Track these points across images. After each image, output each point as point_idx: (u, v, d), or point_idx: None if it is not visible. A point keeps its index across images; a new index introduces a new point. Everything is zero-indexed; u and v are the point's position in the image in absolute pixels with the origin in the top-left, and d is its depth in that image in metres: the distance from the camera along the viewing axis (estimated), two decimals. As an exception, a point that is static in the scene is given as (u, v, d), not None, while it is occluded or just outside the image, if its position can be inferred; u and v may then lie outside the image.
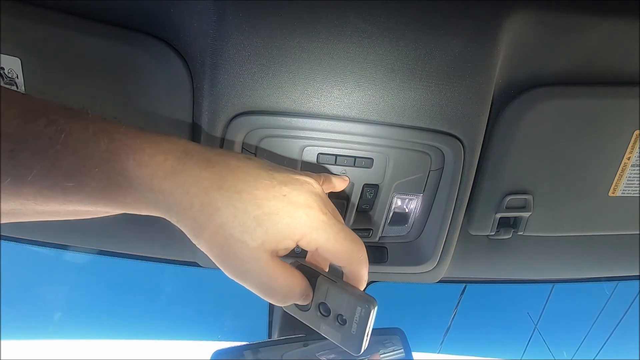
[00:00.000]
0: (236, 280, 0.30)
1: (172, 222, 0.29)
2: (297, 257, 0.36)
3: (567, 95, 0.47)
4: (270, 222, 0.28)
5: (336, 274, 0.35)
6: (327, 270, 0.36)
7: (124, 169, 0.26)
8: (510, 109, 0.47)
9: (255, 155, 0.48)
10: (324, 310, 0.34)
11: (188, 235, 0.29)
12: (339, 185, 0.44)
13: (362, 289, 0.34)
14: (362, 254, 0.32)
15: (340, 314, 0.33)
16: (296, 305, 0.34)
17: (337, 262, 0.32)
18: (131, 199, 0.27)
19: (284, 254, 0.30)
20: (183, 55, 0.43)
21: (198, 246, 0.29)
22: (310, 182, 0.32)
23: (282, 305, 0.33)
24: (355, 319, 0.32)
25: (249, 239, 0.28)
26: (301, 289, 0.32)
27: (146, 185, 0.27)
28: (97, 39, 0.42)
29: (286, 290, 0.30)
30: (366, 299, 0.32)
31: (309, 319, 0.34)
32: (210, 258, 0.29)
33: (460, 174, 0.49)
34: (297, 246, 0.30)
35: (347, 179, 0.46)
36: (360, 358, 0.54)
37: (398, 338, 0.61)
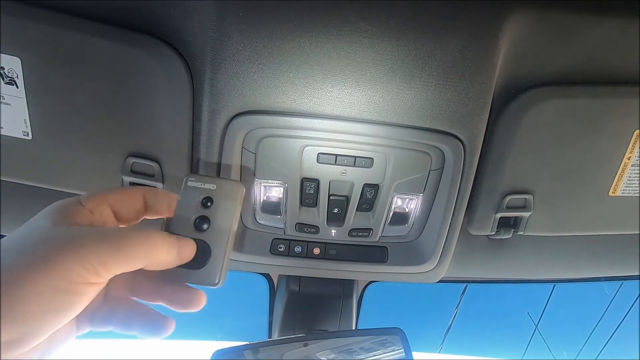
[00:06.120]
0: None
1: None
2: None
3: (567, 95, 0.47)
4: None
5: None
6: None
7: None
8: (510, 109, 0.47)
9: (256, 155, 0.49)
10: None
11: None
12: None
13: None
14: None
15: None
16: None
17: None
18: None
19: None
20: (183, 55, 0.43)
21: None
22: None
23: None
24: None
25: None
26: None
27: None
28: (97, 39, 0.42)
29: None
30: None
31: None
32: None
33: (461, 173, 0.49)
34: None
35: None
36: (361, 358, 0.54)
37: (398, 338, 0.60)
